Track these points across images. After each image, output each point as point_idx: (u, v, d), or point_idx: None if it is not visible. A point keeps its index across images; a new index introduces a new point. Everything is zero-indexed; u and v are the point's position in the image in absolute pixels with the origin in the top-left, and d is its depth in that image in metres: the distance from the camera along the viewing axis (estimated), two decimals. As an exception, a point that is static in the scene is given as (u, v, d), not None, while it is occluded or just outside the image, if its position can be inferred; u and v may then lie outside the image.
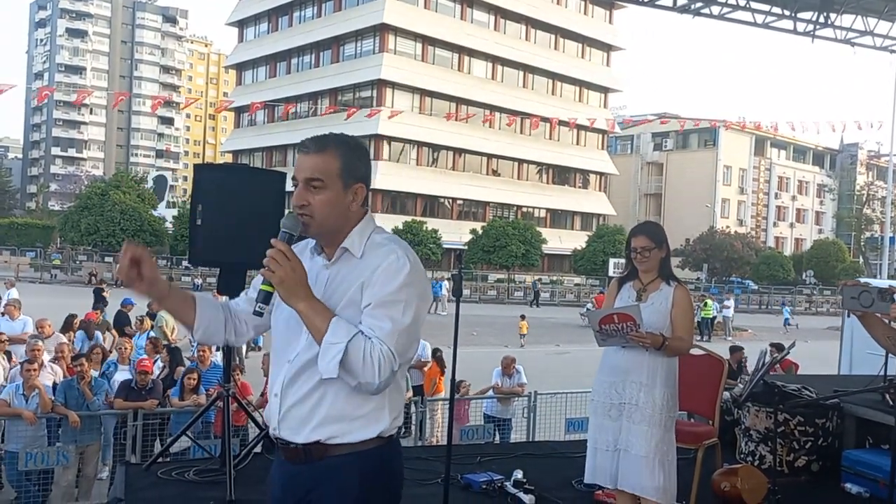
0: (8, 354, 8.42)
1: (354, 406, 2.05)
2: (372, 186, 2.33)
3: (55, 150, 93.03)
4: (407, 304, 2.01)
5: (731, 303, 30.43)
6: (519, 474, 4.68)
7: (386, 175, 47.29)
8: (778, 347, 7.95)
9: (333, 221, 2.10)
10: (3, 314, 10.64)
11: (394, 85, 49.62)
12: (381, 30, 49.48)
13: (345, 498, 2.07)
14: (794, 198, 73.47)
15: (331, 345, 1.95)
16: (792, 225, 73.51)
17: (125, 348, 8.67)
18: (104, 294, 14.44)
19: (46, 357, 8.35)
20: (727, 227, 60.05)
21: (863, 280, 5.71)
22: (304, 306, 2.00)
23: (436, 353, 9.67)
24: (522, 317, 22.39)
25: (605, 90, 60.68)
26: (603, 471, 3.73)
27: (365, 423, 2.07)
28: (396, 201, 49.61)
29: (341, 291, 2.08)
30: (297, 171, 2.11)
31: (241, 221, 4.27)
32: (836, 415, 5.34)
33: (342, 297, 2.07)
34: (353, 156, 2.13)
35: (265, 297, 2.06)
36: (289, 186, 5.00)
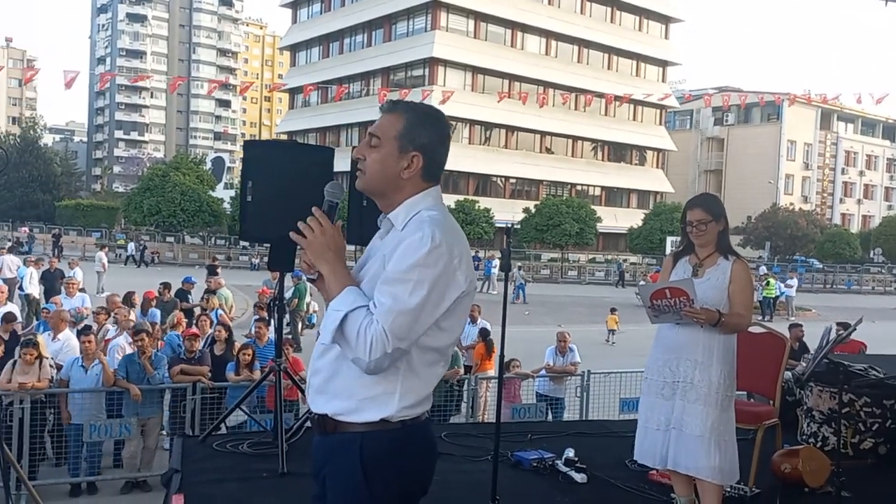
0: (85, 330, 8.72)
1: (363, 386, 2.02)
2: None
3: (118, 134, 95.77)
4: (417, 285, 1.92)
5: (794, 282, 29.54)
6: (571, 453, 4.61)
7: (438, 154, 47.19)
8: (844, 326, 7.65)
9: (379, 182, 2.08)
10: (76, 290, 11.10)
11: (446, 63, 49.40)
12: (433, 7, 49.21)
13: (346, 477, 2.06)
14: (861, 173, 70.76)
15: (334, 311, 1.96)
16: (859, 201, 70.88)
17: (181, 324, 8.90)
18: (217, 270, 14.90)
19: (113, 332, 8.65)
20: (791, 204, 58.30)
21: None
22: (326, 269, 2.02)
23: (485, 335, 9.52)
24: (613, 310, 18.50)
25: (663, 64, 59.26)
26: (652, 451, 3.64)
27: (371, 405, 2.02)
28: (448, 180, 49.47)
29: (376, 266, 2.06)
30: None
31: (290, 197, 4.29)
32: (906, 396, 5.11)
33: (371, 269, 2.07)
34: (419, 122, 2.08)
35: None
36: (337, 167, 5.02)
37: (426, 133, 2.08)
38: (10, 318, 8.45)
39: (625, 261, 44.68)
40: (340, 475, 2.07)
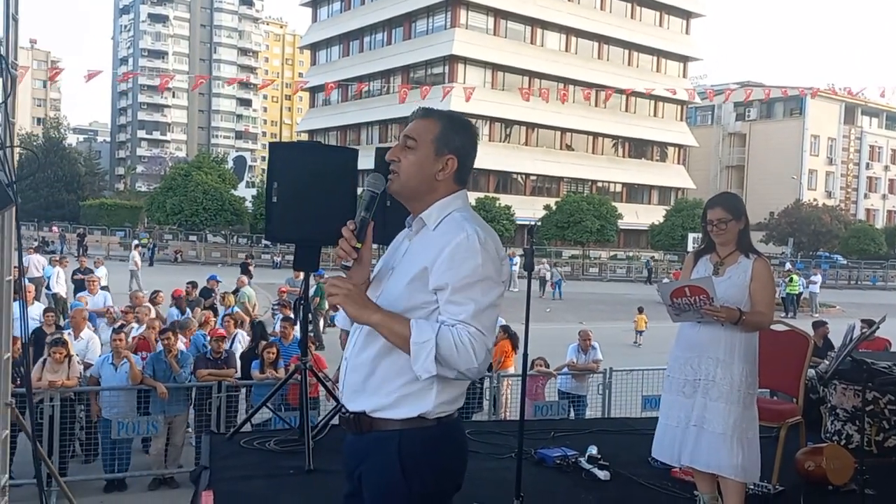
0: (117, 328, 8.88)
1: (401, 383, 2.06)
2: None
3: (141, 133, 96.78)
4: (486, 281, 2.02)
5: (817, 278, 29.20)
6: (594, 450, 4.63)
7: (458, 151, 47.14)
8: (869, 323, 7.58)
9: (415, 184, 2.14)
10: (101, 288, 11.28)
11: (465, 60, 49.35)
12: (453, 4, 49.17)
13: (384, 475, 2.08)
14: (886, 168, 69.69)
15: (420, 345, 1.97)
16: (884, 196, 69.81)
17: (209, 322, 9.00)
18: (250, 268, 15.10)
19: (136, 329, 8.78)
20: (814, 199, 57.52)
21: None
22: (378, 317, 2.03)
23: (508, 329, 9.52)
24: (640, 309, 17.59)
25: (684, 59, 58.75)
26: (671, 448, 3.65)
27: (409, 401, 2.07)
28: (469, 178, 49.38)
29: (410, 265, 2.10)
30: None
31: (315, 198, 4.35)
32: (932, 394, 5.07)
33: (409, 273, 2.09)
34: (453, 128, 2.17)
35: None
36: (361, 164, 5.08)
37: (459, 138, 2.18)
38: (50, 309, 8.87)
39: (652, 258, 44.44)
40: (378, 473, 2.10)
